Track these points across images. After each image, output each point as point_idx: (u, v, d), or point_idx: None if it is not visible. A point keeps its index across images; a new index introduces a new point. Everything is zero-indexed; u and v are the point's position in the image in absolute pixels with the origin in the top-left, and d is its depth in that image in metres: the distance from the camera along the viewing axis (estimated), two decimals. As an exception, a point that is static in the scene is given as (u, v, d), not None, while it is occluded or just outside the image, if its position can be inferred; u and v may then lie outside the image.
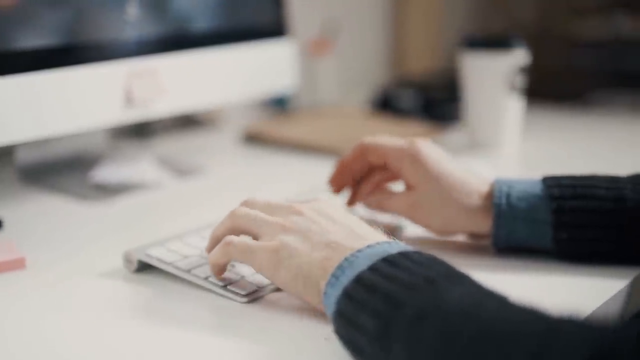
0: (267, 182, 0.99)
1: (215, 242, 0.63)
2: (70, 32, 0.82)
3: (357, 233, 0.57)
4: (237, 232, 0.61)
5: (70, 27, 0.82)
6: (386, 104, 1.32)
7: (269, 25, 1.07)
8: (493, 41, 1.07)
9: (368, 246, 0.54)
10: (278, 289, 0.63)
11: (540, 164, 1.05)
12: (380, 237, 0.57)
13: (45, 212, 0.86)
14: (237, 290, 0.62)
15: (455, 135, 1.16)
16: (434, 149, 0.70)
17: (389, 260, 0.52)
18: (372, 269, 0.51)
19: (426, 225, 0.71)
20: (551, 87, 1.11)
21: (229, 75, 1.01)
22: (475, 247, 0.72)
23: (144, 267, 0.67)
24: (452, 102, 1.25)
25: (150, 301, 0.63)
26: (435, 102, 1.28)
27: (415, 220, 0.71)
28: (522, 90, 1.08)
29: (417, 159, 0.69)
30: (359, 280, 0.51)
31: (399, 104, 1.30)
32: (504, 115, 1.08)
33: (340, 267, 0.54)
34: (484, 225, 0.69)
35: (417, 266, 0.50)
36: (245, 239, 0.60)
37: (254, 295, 0.62)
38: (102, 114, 0.87)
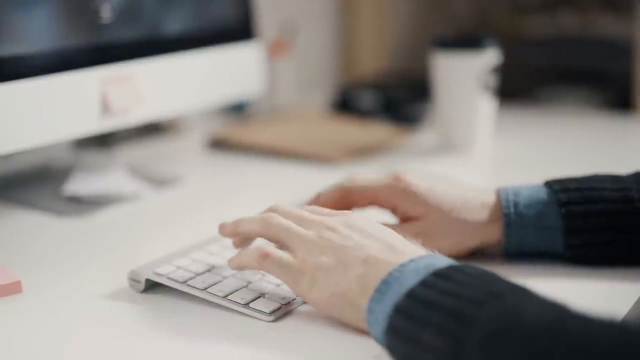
0: (246, 189, 0.96)
1: (241, 237, 0.64)
2: (42, 39, 0.78)
3: (394, 247, 0.55)
4: (267, 238, 0.60)
5: (43, 34, 0.78)
6: (345, 105, 1.31)
7: (238, 28, 1.04)
8: (465, 41, 1.06)
9: (411, 260, 0.53)
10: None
11: (514, 163, 1.06)
12: (419, 250, 0.55)
13: (25, 229, 0.81)
14: (261, 309, 0.59)
15: (424, 136, 1.16)
16: (420, 177, 0.69)
17: (442, 275, 0.50)
18: (425, 284, 0.50)
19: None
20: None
21: (203, 80, 0.98)
22: (483, 253, 0.70)
23: (151, 286, 0.64)
24: (415, 103, 1.25)
25: (164, 322, 0.59)
26: (397, 102, 1.27)
27: None
28: (494, 90, 1.08)
29: (410, 192, 0.68)
30: (411, 295, 0.50)
31: (359, 105, 1.29)
32: (477, 116, 1.08)
33: (385, 282, 0.52)
34: (494, 235, 0.68)
35: (475, 280, 0.49)
36: (281, 255, 0.58)
37: (280, 312, 0.59)
38: (77, 124, 0.82)
